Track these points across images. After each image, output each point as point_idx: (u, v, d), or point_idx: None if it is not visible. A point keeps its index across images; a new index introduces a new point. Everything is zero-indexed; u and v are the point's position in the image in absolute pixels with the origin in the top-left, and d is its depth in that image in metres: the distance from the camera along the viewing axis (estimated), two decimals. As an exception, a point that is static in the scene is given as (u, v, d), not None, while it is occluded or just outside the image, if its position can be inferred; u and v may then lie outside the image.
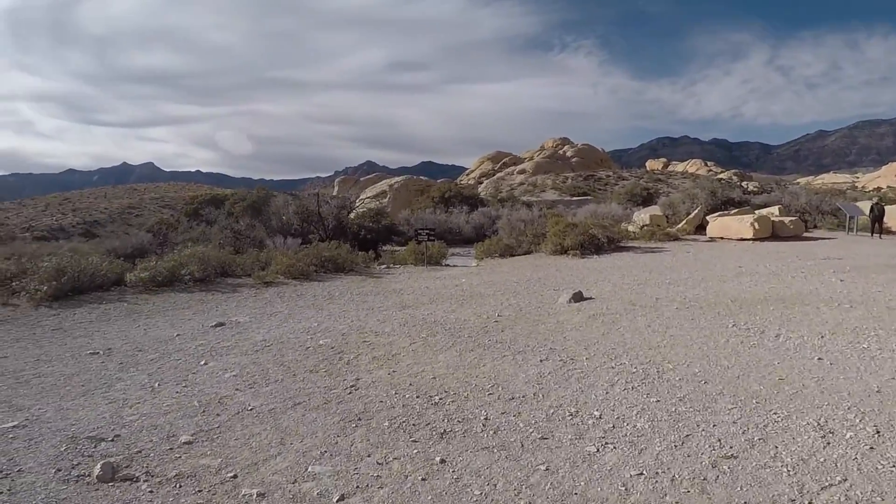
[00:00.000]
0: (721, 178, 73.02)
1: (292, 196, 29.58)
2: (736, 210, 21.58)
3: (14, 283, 9.88)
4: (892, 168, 55.96)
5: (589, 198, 53.63)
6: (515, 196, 47.78)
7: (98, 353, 6.72)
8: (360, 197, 36.59)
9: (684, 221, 21.19)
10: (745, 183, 72.25)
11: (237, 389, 5.24)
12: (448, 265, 15.85)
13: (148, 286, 10.98)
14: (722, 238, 18.59)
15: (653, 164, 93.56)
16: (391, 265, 15.62)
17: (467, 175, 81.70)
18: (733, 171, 79.22)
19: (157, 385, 5.42)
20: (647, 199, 38.93)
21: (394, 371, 5.68)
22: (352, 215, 26.76)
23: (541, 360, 5.81)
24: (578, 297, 8.76)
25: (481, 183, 69.15)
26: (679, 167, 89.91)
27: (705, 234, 19.73)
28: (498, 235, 19.60)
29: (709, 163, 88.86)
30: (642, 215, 23.22)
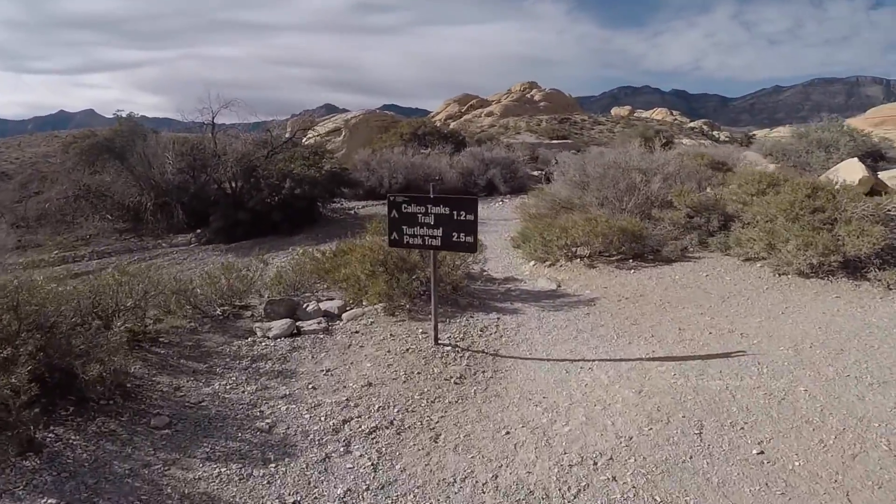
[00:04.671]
0: (693, 128, 63.75)
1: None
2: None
3: None
4: (880, 112, 46.98)
5: (569, 141, 43.81)
6: (494, 136, 36.35)
7: None
8: (307, 137, 23.90)
9: (857, 180, 10.72)
10: (715, 133, 63.25)
11: None
12: (485, 293, 4.86)
13: None
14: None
15: (618, 111, 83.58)
16: (305, 323, 4.31)
17: (432, 117, 69.22)
18: (703, 120, 70.00)
19: None
20: (664, 144, 28.60)
21: None
22: (280, 157, 14.73)
23: None
24: None
25: (447, 125, 57.35)
26: (645, 114, 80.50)
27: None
28: (550, 194, 8.58)
29: (674, 112, 79.30)
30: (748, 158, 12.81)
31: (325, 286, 5.66)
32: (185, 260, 11.36)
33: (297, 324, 4.50)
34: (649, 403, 3.26)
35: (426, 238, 3.88)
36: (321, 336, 4.28)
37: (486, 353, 3.94)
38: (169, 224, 13.69)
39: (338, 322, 4.61)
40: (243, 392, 3.58)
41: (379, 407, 3.25)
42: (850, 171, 11.06)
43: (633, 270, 6.21)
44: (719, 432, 3.00)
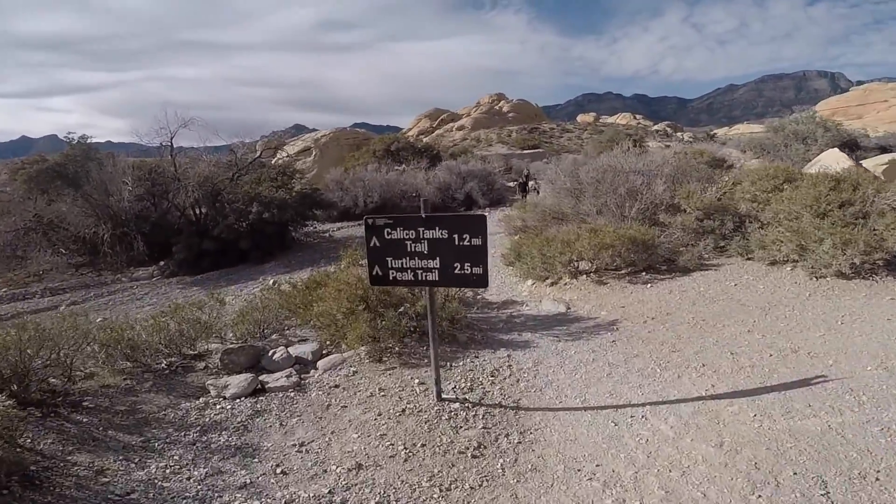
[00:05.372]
0: (657, 130, 65.17)
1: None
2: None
3: None
4: (829, 104, 48.60)
5: (540, 150, 44.10)
6: (467, 149, 36.15)
7: None
8: (276, 158, 22.89)
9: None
10: (679, 134, 64.65)
11: None
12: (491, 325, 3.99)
13: None
14: None
15: (584, 118, 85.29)
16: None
17: (404, 134, 69.20)
18: (666, 123, 71.82)
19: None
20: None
21: None
22: (246, 179, 13.68)
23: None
24: None
25: (420, 141, 57.29)
26: (609, 120, 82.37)
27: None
28: (539, 204, 7.88)
29: (638, 116, 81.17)
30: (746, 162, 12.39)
31: (298, 322, 4.73)
32: (147, 295, 10.21)
33: (262, 378, 3.55)
34: (741, 460, 2.42)
35: (419, 272, 2.93)
36: (292, 394, 3.33)
37: (505, 407, 3.06)
38: (129, 256, 12.46)
39: (312, 372, 3.67)
40: (188, 479, 2.62)
41: (376, 503, 2.33)
42: (834, 161, 10.70)
43: (648, 284, 5.45)
44: (850, 489, 2.19)
